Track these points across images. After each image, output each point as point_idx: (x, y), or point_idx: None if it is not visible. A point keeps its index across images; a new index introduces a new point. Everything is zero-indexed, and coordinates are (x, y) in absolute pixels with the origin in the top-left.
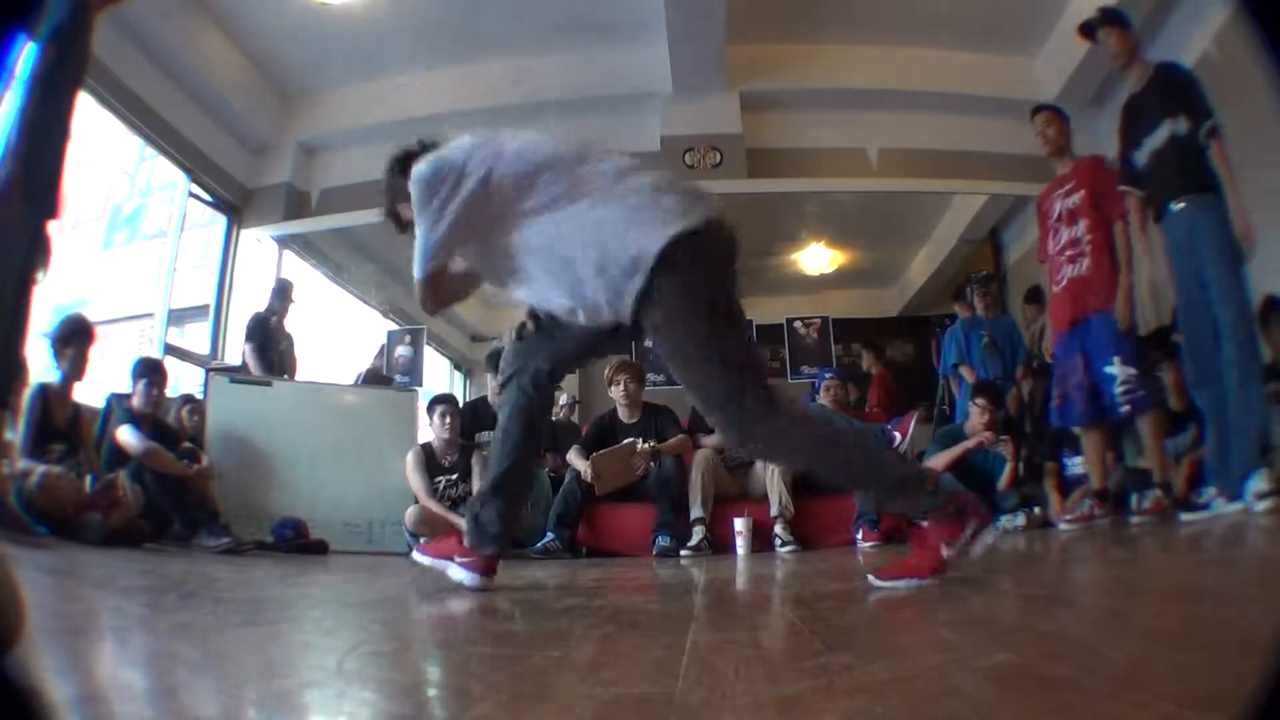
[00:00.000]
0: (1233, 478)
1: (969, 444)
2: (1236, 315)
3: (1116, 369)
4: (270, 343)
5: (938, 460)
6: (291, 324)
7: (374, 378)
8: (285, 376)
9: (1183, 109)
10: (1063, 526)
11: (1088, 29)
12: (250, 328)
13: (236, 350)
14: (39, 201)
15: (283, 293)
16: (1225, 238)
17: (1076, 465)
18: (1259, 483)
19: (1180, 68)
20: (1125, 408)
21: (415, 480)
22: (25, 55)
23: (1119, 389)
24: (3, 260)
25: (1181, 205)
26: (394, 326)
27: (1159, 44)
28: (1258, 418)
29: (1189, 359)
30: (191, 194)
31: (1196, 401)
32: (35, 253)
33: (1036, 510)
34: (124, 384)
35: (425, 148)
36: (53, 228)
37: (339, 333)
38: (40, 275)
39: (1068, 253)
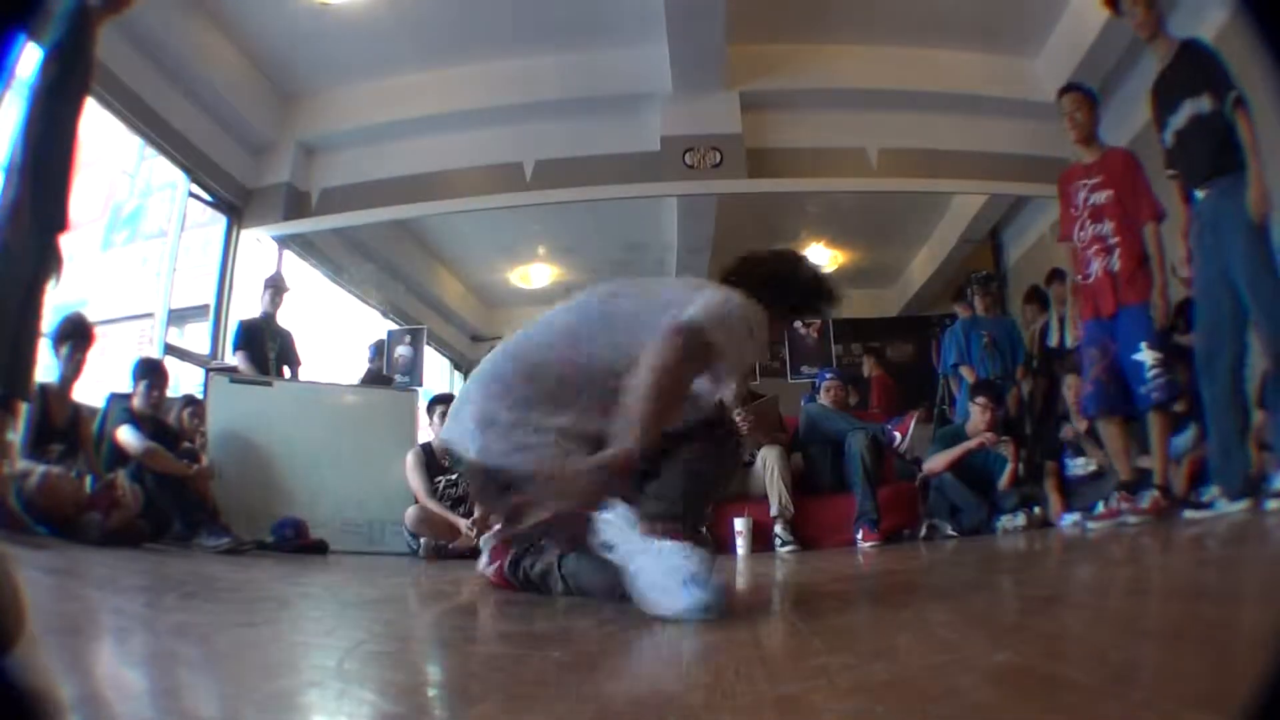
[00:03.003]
0: (1242, 473)
1: (970, 444)
2: (1267, 306)
3: (1145, 355)
4: (263, 345)
5: (938, 460)
6: (286, 320)
7: (374, 378)
8: (286, 373)
9: (1205, 87)
10: (1091, 526)
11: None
12: (237, 336)
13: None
14: (48, 215)
15: (276, 289)
16: (1254, 224)
17: (1077, 466)
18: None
19: (1203, 44)
20: (1156, 394)
21: (415, 480)
22: (31, 68)
23: (1150, 374)
24: (11, 274)
25: (1207, 191)
26: (394, 326)
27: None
28: None
29: (1200, 349)
30: (191, 194)
31: (1201, 394)
32: (45, 265)
33: (1036, 510)
34: (125, 384)
35: None
36: (62, 239)
37: (339, 332)
38: (52, 285)
39: (1095, 247)
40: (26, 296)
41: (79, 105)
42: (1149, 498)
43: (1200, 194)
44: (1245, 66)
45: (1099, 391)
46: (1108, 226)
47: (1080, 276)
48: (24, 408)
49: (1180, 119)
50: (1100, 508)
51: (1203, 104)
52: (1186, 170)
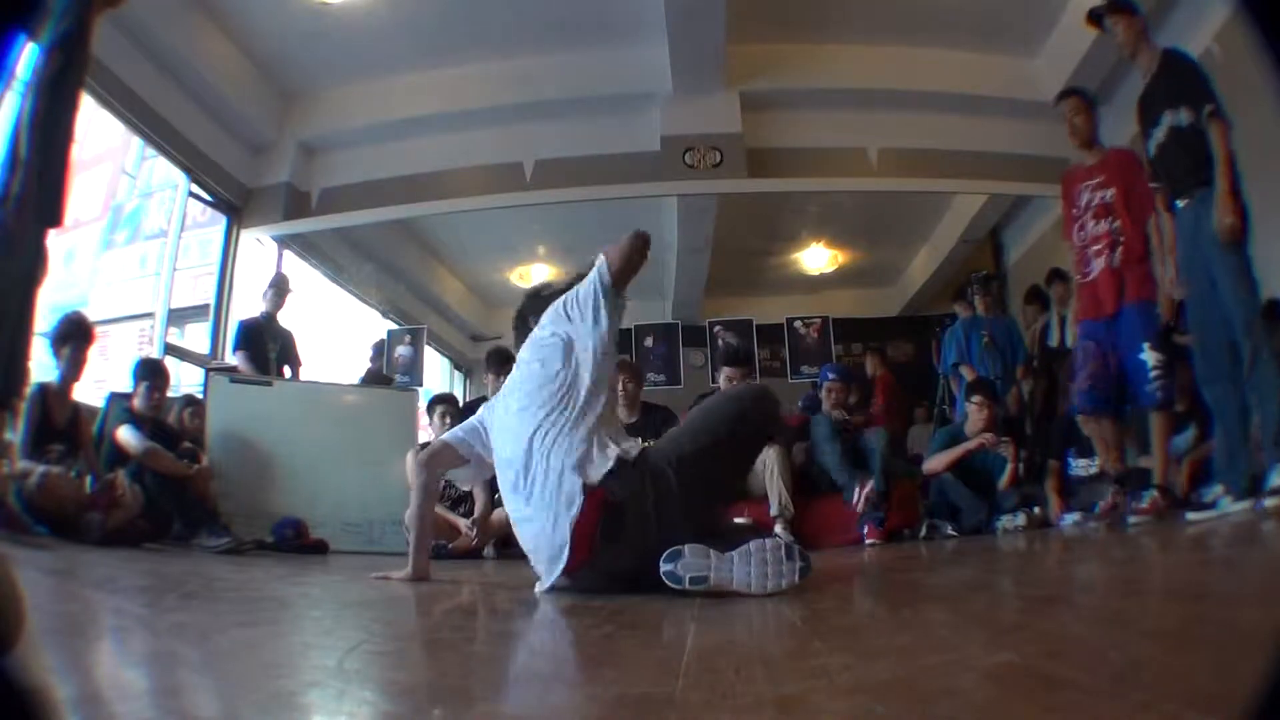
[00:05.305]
0: (1247, 473)
1: (970, 445)
2: (1246, 313)
3: (1148, 355)
4: (263, 345)
5: (938, 460)
6: (288, 320)
7: (374, 378)
8: (286, 373)
9: (1183, 99)
10: (1132, 520)
11: (1095, 16)
12: (238, 336)
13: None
14: (44, 210)
15: (278, 289)
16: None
17: (1080, 466)
18: (1276, 478)
19: (1183, 55)
20: (1160, 394)
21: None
22: (27, 61)
23: (1153, 374)
24: (12, 268)
25: (1187, 202)
26: (394, 326)
27: (1159, 41)
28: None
29: (1199, 355)
30: (191, 194)
31: (1205, 398)
32: (41, 261)
33: (1036, 510)
34: (125, 384)
35: None
36: (51, 236)
37: (339, 332)
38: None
39: (1099, 244)
40: (25, 292)
41: (76, 98)
42: (1149, 498)
43: (1181, 204)
44: (1233, 86)
45: (1092, 391)
46: (1114, 224)
47: (1080, 275)
48: (23, 407)
49: (1160, 131)
50: (1099, 507)
51: (1181, 117)
52: (1166, 180)
